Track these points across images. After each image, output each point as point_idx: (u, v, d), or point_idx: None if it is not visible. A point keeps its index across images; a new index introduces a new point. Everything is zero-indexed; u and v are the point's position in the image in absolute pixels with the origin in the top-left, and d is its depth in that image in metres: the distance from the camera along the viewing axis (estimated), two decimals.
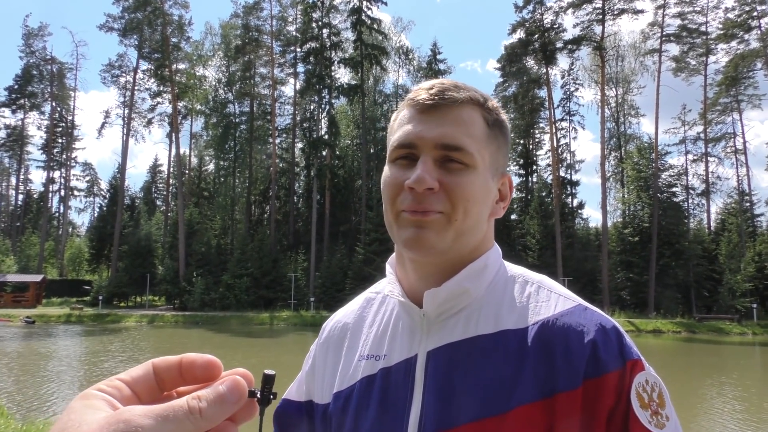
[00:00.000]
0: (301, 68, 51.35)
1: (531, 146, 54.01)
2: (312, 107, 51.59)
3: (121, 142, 55.22)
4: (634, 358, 0.81)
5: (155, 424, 0.43)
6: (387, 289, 0.98)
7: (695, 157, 50.25)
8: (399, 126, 0.91)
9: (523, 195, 52.35)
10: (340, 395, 0.94)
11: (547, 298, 0.89)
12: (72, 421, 0.43)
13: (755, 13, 45.03)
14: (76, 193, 69.86)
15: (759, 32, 45.09)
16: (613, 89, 55.69)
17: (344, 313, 1.07)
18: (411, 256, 0.90)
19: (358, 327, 1.01)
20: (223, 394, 0.47)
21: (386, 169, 0.91)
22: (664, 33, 46.68)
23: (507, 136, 0.96)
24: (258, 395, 0.51)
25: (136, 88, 52.60)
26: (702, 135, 49.40)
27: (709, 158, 49.21)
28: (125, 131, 53.17)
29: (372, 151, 51.20)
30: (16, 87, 59.70)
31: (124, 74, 53.67)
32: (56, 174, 65.94)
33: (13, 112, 61.65)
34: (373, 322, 1.00)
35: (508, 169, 1.00)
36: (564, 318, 0.84)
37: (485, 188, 0.90)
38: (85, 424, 0.42)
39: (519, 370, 0.81)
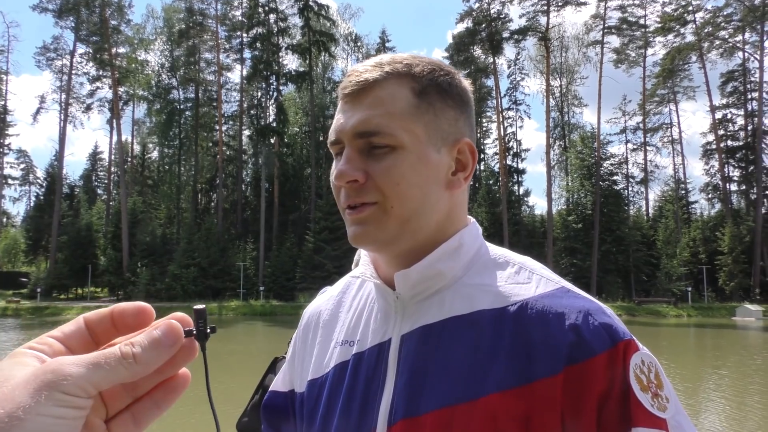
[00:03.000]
0: (247, 54, 50.51)
1: (478, 135, 54.71)
2: (259, 94, 50.72)
3: (58, 129, 52.93)
4: (625, 339, 0.73)
5: (86, 371, 0.41)
6: (360, 271, 0.94)
7: (635, 147, 52.26)
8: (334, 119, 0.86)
9: (471, 183, 52.86)
10: (315, 383, 0.91)
11: (527, 279, 0.83)
12: None
13: (690, 8, 46.93)
14: (10, 181, 66.64)
15: (694, 26, 47.02)
16: (558, 79, 57.04)
17: (324, 299, 1.03)
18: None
19: (336, 312, 0.97)
20: (158, 338, 0.46)
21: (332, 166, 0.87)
22: (606, 25, 48.09)
23: (453, 99, 0.85)
24: (195, 332, 0.50)
25: (73, 72, 50.41)
26: (641, 125, 51.32)
27: (647, 147, 51.23)
28: (62, 117, 50.89)
29: (321, 138, 50.85)
30: None
31: (60, 57, 51.24)
32: None
33: None
34: (350, 306, 0.96)
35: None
36: (544, 300, 0.78)
37: (422, 164, 0.81)
38: (12, 378, 0.41)
39: (494, 355, 0.75)
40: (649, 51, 49.99)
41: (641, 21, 48.85)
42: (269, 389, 1.06)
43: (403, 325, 0.84)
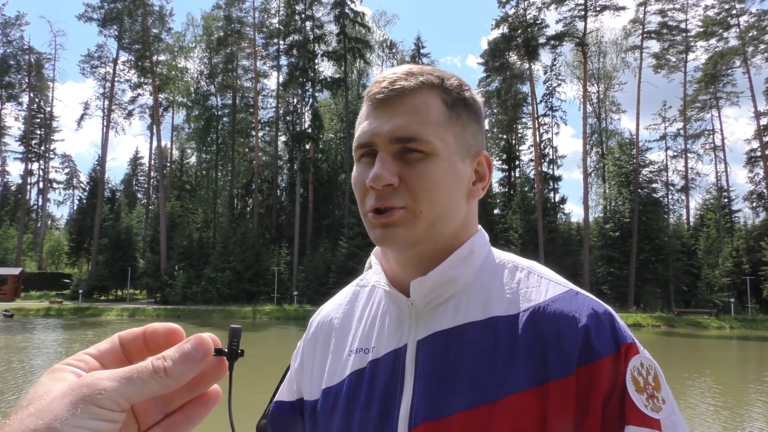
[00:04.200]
0: (284, 61, 51.04)
1: (514, 141, 54.26)
2: (295, 100, 51.29)
3: (100, 134, 54.60)
4: (628, 342, 0.78)
5: (119, 385, 0.43)
6: (374, 279, 0.96)
7: (675, 153, 50.97)
8: (359, 123, 0.89)
9: (506, 190, 52.63)
10: (330, 391, 0.93)
11: (537, 283, 0.87)
12: (38, 392, 0.44)
13: (734, 11, 45.67)
14: (54, 185, 69.03)
15: (738, 30, 45.73)
16: (595, 85, 56.21)
17: (331, 307, 1.05)
18: (386, 250, 0.90)
19: (347, 321, 1.00)
20: (188, 351, 0.47)
21: (354, 169, 0.90)
22: (645, 30, 47.16)
23: (475, 113, 0.91)
24: (226, 351, 0.51)
25: (116, 79, 51.87)
26: (682, 131, 50.09)
27: (688, 154, 49.97)
28: (105, 123, 52.44)
29: None
30: None
31: (103, 65, 52.84)
32: (34, 166, 65.03)
33: None
34: (361, 315, 0.98)
35: (486, 147, 0.96)
36: (555, 304, 0.83)
37: (451, 173, 0.86)
38: (50, 392, 0.43)
39: (510, 358, 0.79)
40: (691, 56, 48.83)
41: (682, 25, 47.75)
42: (275, 399, 1.08)
43: (419, 331, 0.87)
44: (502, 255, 0.95)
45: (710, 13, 46.58)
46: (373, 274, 0.97)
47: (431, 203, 0.83)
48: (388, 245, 0.85)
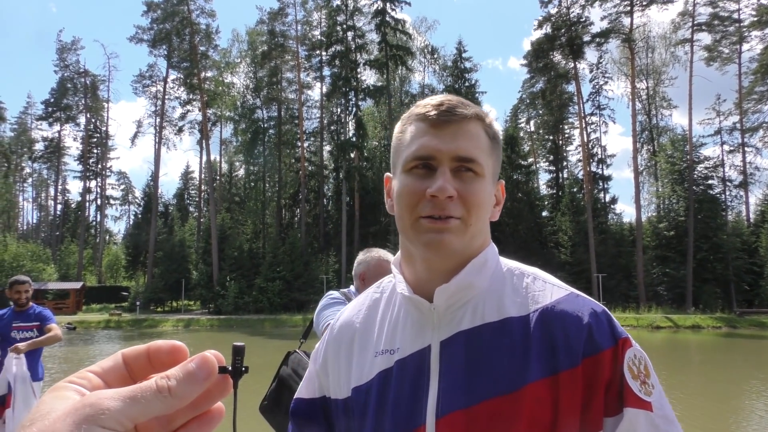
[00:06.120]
0: (327, 71, 51.71)
1: (560, 142, 53.35)
2: (339, 110, 51.79)
3: (153, 151, 56.31)
4: (623, 337, 0.93)
5: (123, 405, 0.42)
6: (399, 287, 1.05)
7: (731, 148, 48.92)
8: (413, 139, 1.00)
9: (554, 191, 51.72)
10: (361, 389, 1.02)
11: (542, 287, 0.99)
12: (41, 411, 0.43)
13: None
14: (111, 201, 71.45)
15: None
16: (644, 81, 54.64)
17: (352, 313, 1.15)
18: (429, 257, 0.98)
19: (368, 325, 1.10)
20: (192, 371, 0.47)
21: (403, 178, 1.00)
22: (695, 22, 45.62)
23: (500, 146, 1.06)
24: (229, 369, 0.51)
25: (166, 97, 53.54)
26: (738, 125, 48.10)
27: (746, 149, 47.92)
28: (157, 140, 54.11)
29: None
30: (52, 100, 61.30)
31: (154, 84, 54.63)
32: (92, 183, 67.36)
33: (50, 124, 63.34)
34: (383, 319, 1.08)
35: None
36: (560, 305, 0.95)
37: (490, 194, 1.01)
38: (53, 411, 0.42)
39: (525, 353, 0.91)
40: (745, 46, 46.81)
41: (734, 15, 45.99)
42: (294, 397, 1.17)
43: (441, 333, 0.98)
44: (509, 263, 1.06)
45: (764, 1, 44.71)
46: (398, 282, 1.06)
47: (478, 218, 0.97)
48: (439, 251, 0.95)
